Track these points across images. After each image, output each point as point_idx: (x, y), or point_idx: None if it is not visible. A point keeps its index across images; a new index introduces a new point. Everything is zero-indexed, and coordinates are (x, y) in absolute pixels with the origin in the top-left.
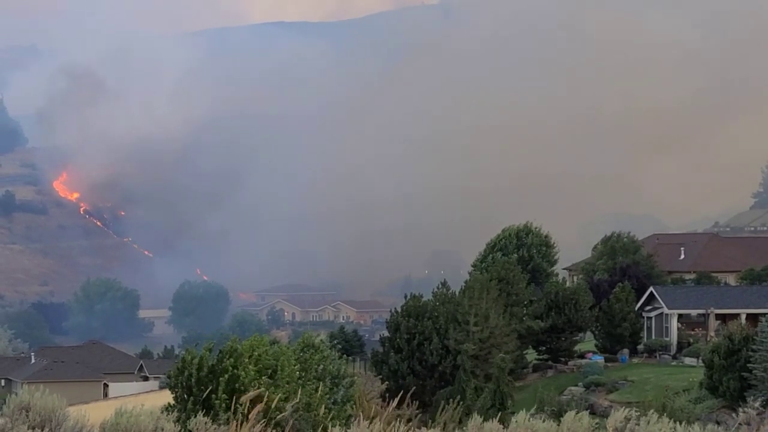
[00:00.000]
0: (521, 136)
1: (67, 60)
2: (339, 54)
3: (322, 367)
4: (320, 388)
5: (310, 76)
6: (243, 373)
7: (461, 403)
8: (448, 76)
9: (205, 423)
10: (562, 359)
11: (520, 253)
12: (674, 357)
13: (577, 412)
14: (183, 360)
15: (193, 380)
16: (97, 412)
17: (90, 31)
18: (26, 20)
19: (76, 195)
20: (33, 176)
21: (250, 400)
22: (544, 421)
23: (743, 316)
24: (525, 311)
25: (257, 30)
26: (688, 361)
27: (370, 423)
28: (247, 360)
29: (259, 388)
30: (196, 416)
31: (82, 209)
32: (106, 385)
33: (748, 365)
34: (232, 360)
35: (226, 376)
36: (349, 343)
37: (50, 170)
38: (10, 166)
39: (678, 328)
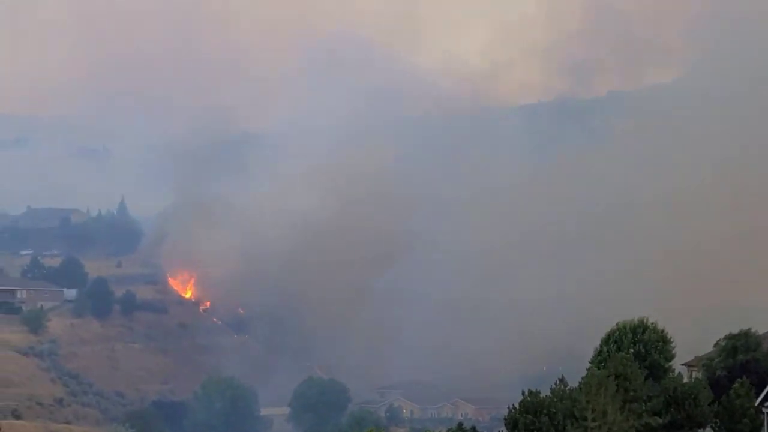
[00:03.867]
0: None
1: None
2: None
3: None
4: None
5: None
6: None
7: None
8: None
9: None
10: None
11: (636, 348)
12: None
13: None
14: None
15: None
16: None
17: None
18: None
19: (196, 294)
20: (153, 276)
21: None
22: None
23: None
24: (643, 407)
25: None
26: None
27: None
28: None
29: None
30: None
31: (201, 308)
32: None
33: None
34: None
35: None
36: None
37: (170, 270)
38: (131, 266)
39: None
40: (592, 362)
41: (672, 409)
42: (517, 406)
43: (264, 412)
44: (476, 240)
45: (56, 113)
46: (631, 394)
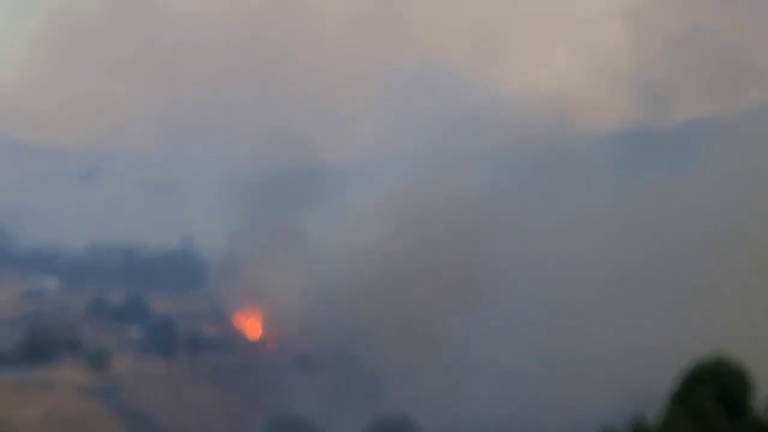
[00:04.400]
0: None
1: None
2: None
3: None
4: None
5: None
6: None
7: None
8: None
9: None
10: None
11: (717, 386)
12: None
13: None
14: None
15: None
16: None
17: None
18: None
19: (263, 330)
20: (219, 312)
21: None
22: None
23: None
24: None
25: None
26: None
27: None
28: None
29: None
30: None
31: (268, 345)
32: None
33: None
34: None
35: None
36: None
37: (236, 306)
38: (196, 303)
39: None
40: (670, 400)
41: None
42: None
43: None
44: (559, 274)
45: (118, 147)
46: None
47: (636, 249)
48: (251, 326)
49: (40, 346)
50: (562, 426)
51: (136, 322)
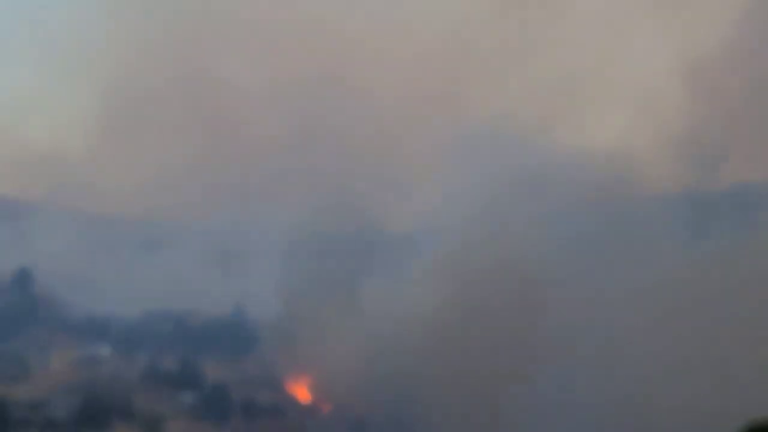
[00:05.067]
0: None
1: None
2: None
3: None
4: None
5: None
6: None
7: None
8: None
9: None
10: None
11: None
12: None
13: None
14: None
15: None
16: None
17: None
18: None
19: (315, 396)
20: (272, 378)
21: None
22: None
23: None
24: None
25: None
26: None
27: None
28: None
29: None
30: None
31: (321, 411)
32: None
33: None
34: None
35: None
36: None
37: (289, 371)
38: (249, 368)
39: None
40: None
41: None
42: None
43: None
44: (624, 343)
45: (174, 216)
46: None
47: (701, 315)
48: (304, 391)
49: (94, 413)
50: None
51: (190, 388)
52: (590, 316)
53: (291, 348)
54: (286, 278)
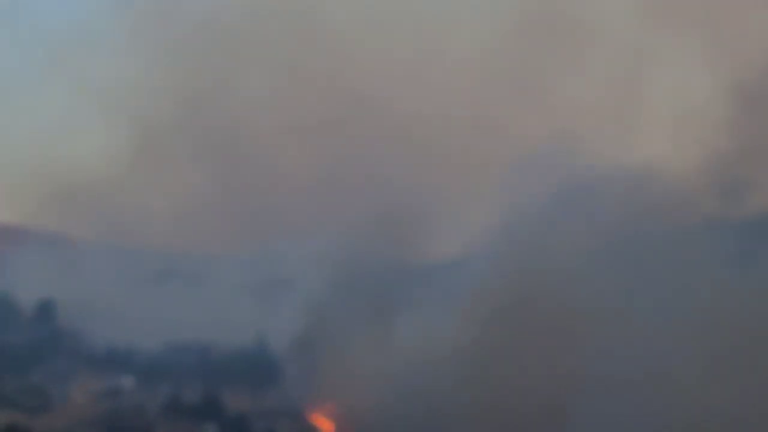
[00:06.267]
0: None
1: None
2: None
3: None
4: None
5: None
6: None
7: None
8: None
9: None
10: None
11: None
12: None
13: None
14: None
15: None
16: None
17: None
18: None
19: (339, 428)
20: (295, 409)
21: None
22: None
23: None
24: None
25: None
26: None
27: None
28: None
29: None
30: None
31: None
32: None
33: None
34: None
35: None
36: None
37: (313, 402)
38: (272, 401)
39: None
40: None
41: None
42: None
43: None
44: (669, 377)
45: (197, 247)
46: None
47: (751, 349)
48: (327, 423)
49: None
50: None
51: (212, 420)
52: (634, 350)
53: (315, 380)
54: (314, 309)
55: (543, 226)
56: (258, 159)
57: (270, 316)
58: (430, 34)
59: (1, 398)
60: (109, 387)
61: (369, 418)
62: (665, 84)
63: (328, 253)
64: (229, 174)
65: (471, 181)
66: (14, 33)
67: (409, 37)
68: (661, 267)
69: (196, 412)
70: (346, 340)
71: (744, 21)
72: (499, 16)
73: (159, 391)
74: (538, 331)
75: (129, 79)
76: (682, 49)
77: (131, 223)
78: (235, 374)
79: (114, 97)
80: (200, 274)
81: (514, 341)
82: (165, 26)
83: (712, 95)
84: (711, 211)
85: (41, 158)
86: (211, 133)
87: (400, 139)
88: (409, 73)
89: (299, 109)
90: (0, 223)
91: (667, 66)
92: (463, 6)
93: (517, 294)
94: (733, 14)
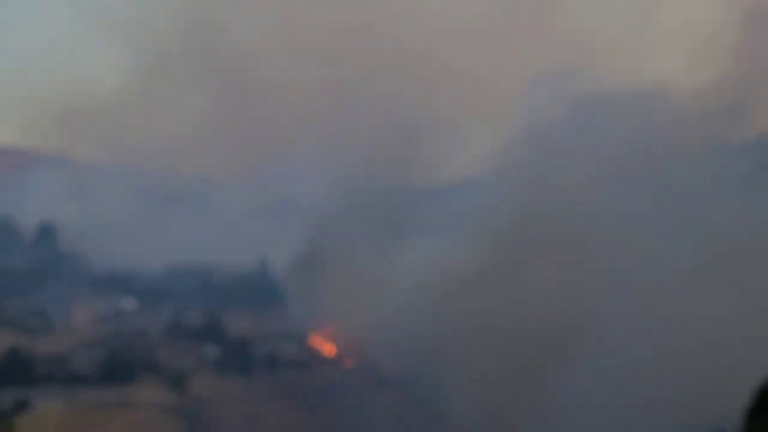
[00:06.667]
0: None
1: None
2: None
3: None
4: None
5: None
6: None
7: None
8: None
9: None
10: None
11: None
12: None
13: None
14: None
15: None
16: None
17: None
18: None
19: (340, 351)
20: (296, 333)
21: None
22: None
23: None
24: None
25: None
26: None
27: None
28: None
29: None
30: None
31: (345, 365)
32: None
33: None
34: None
35: None
36: None
37: (313, 326)
38: (273, 323)
39: None
40: (745, 415)
41: None
42: None
43: None
44: (670, 287)
45: (197, 169)
46: None
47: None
48: (328, 345)
49: (118, 367)
50: None
51: (213, 342)
52: (641, 267)
53: (317, 302)
54: (318, 228)
55: (552, 145)
56: (264, 83)
57: (273, 239)
58: None
59: (3, 320)
60: (111, 309)
61: (370, 340)
62: (680, 8)
63: (334, 175)
64: (235, 98)
65: (480, 103)
66: None
67: None
68: (668, 187)
69: (197, 335)
70: (349, 260)
71: None
72: None
73: (161, 313)
74: (545, 252)
75: (136, 3)
76: None
77: (136, 147)
78: (236, 297)
79: (121, 21)
80: (204, 197)
81: (521, 262)
82: None
83: (724, 20)
84: (718, 133)
85: (47, 81)
86: (216, 58)
87: (408, 61)
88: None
89: (305, 32)
90: (5, 146)
91: None
92: None
93: (524, 214)
94: None
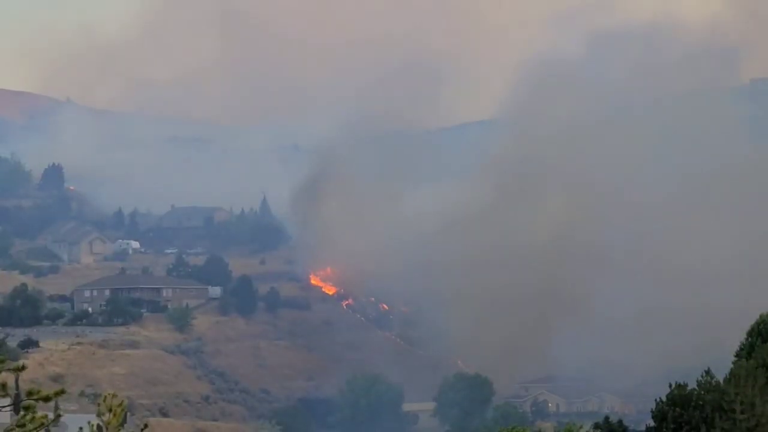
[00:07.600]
0: None
1: None
2: None
3: None
4: None
5: None
6: None
7: None
8: None
9: None
10: None
11: None
12: None
13: None
14: None
15: None
16: None
17: None
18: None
19: (339, 290)
20: (296, 273)
21: None
22: None
23: None
24: None
25: None
26: None
27: None
28: None
29: None
30: None
31: (344, 304)
32: None
33: None
34: None
35: None
36: None
37: (313, 266)
38: (274, 264)
39: None
40: (738, 354)
41: None
42: (664, 399)
43: (409, 408)
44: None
45: (204, 114)
46: None
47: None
48: (327, 285)
49: (122, 306)
50: (628, 378)
51: (217, 283)
52: (645, 216)
53: (315, 242)
54: (318, 167)
55: (556, 89)
56: (271, 26)
57: (277, 181)
58: None
59: (11, 261)
60: (116, 250)
61: (368, 279)
62: None
63: (340, 115)
64: (242, 40)
65: (485, 45)
66: None
67: None
68: (673, 126)
69: (200, 275)
70: (350, 193)
71: None
72: None
73: (165, 254)
74: (549, 187)
75: None
76: None
77: (141, 89)
78: (239, 238)
79: None
80: (209, 140)
81: (525, 197)
82: None
83: None
84: (717, 75)
85: (51, 24)
86: (222, 8)
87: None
88: None
89: None
90: (13, 90)
91: None
92: None
93: (530, 152)
94: None
